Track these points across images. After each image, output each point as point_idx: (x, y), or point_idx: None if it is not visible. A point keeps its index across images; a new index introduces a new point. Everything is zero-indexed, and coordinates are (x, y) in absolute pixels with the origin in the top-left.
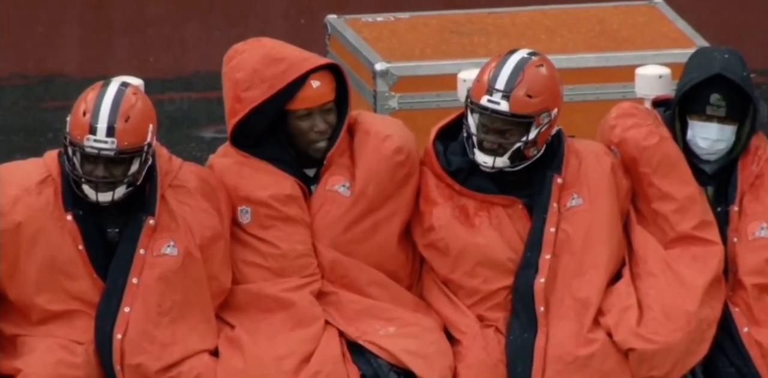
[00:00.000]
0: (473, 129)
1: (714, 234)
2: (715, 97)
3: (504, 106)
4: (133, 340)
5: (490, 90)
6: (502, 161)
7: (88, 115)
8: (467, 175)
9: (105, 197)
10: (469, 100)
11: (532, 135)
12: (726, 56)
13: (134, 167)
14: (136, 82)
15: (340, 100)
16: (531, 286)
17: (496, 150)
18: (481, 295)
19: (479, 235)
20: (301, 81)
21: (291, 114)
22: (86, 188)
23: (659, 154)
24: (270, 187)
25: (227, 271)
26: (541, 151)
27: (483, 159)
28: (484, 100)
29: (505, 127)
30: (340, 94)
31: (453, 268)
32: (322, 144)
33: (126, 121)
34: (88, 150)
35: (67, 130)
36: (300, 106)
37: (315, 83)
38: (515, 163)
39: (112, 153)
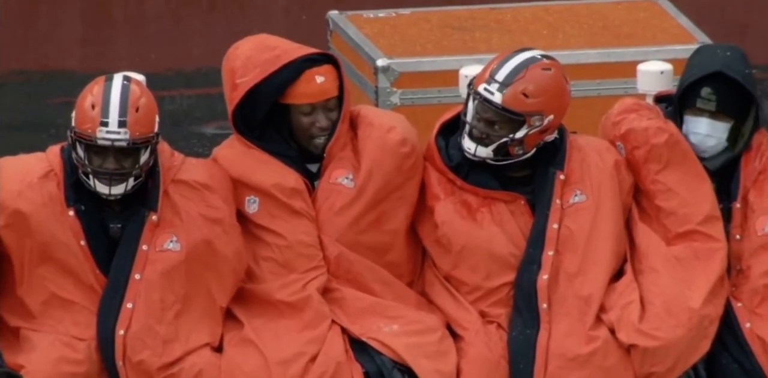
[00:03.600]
0: (469, 116)
1: (718, 231)
2: (706, 91)
3: (497, 97)
4: (136, 336)
5: (489, 79)
6: (485, 151)
7: (97, 108)
8: (469, 171)
9: (118, 190)
10: (470, 85)
11: (519, 134)
12: (728, 53)
13: (144, 158)
14: (137, 78)
15: (339, 94)
16: (534, 282)
17: (483, 139)
18: (483, 291)
19: (482, 231)
20: (295, 69)
21: (294, 109)
22: (97, 182)
23: (668, 150)
24: (274, 177)
25: (243, 259)
26: (529, 153)
27: (468, 145)
28: (481, 88)
29: (495, 119)
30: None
31: (455, 264)
32: (322, 140)
33: (136, 111)
34: (100, 142)
35: (73, 124)
36: (303, 101)
37: (319, 78)
38: (498, 157)
39: (125, 143)
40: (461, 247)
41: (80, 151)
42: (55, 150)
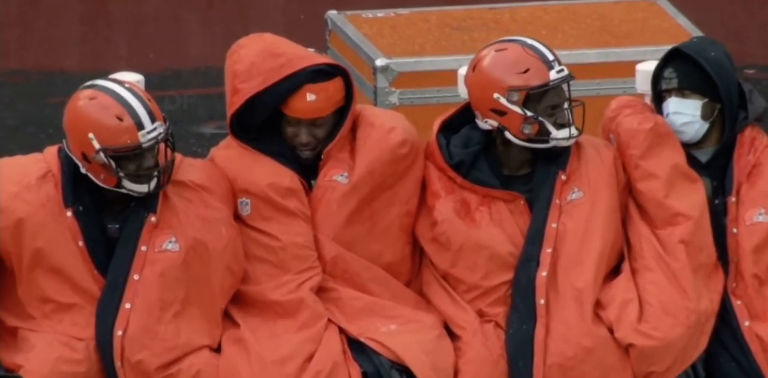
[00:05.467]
0: (537, 116)
1: (695, 210)
2: (666, 71)
3: (566, 70)
4: (134, 336)
5: (550, 64)
6: (575, 128)
7: (126, 117)
8: (469, 169)
9: (155, 185)
10: (523, 90)
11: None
12: (695, 40)
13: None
14: (136, 78)
15: (347, 100)
16: (533, 279)
17: (566, 122)
18: (482, 290)
19: (480, 230)
20: (297, 81)
21: (284, 116)
22: (138, 184)
23: (651, 136)
24: (269, 177)
25: (240, 260)
26: None
27: (568, 133)
28: (552, 75)
29: (566, 94)
30: (347, 95)
31: (453, 263)
32: (306, 154)
33: (150, 101)
34: (146, 144)
35: (99, 147)
36: (290, 114)
37: (310, 97)
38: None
39: (164, 133)
40: (460, 245)
41: (113, 164)
42: (52, 151)
